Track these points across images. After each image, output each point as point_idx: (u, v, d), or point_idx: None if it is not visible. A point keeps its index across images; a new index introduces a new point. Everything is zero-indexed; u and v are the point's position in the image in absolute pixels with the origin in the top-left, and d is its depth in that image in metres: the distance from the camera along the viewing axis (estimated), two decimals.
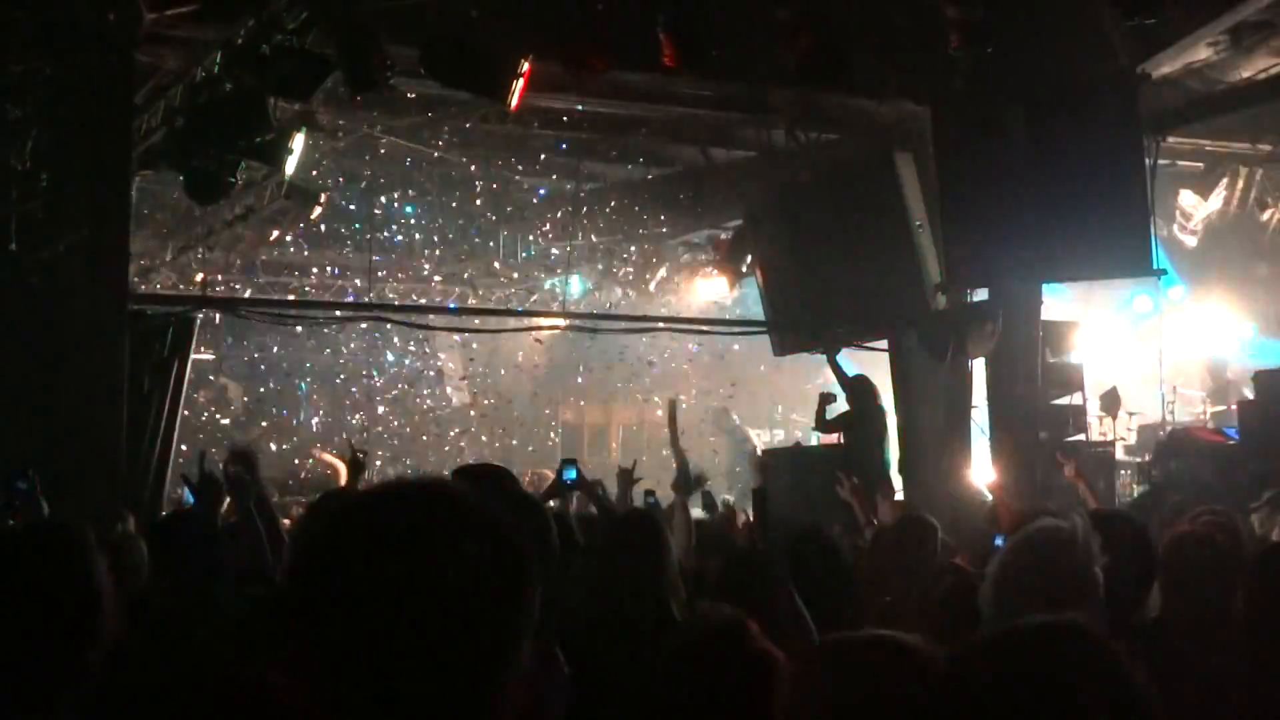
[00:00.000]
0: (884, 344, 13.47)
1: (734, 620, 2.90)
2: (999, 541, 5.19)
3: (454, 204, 18.99)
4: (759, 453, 14.52)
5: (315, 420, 22.72)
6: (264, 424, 21.46)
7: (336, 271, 20.23)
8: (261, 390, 22.00)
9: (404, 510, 1.49)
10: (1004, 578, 3.13)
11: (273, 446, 20.45)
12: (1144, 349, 17.32)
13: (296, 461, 20.08)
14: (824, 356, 13.17)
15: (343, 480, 10.11)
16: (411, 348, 23.29)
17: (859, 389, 12.47)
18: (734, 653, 2.82)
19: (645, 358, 21.58)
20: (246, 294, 18.75)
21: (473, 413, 23.54)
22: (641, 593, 4.01)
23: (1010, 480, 10.88)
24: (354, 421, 22.23)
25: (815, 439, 15.07)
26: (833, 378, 13.06)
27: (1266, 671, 3.41)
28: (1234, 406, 14.28)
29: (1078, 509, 3.37)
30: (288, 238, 18.24)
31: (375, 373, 23.10)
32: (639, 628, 3.85)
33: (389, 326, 20.19)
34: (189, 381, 11.91)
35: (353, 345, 22.57)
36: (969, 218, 11.30)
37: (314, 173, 15.57)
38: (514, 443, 22.93)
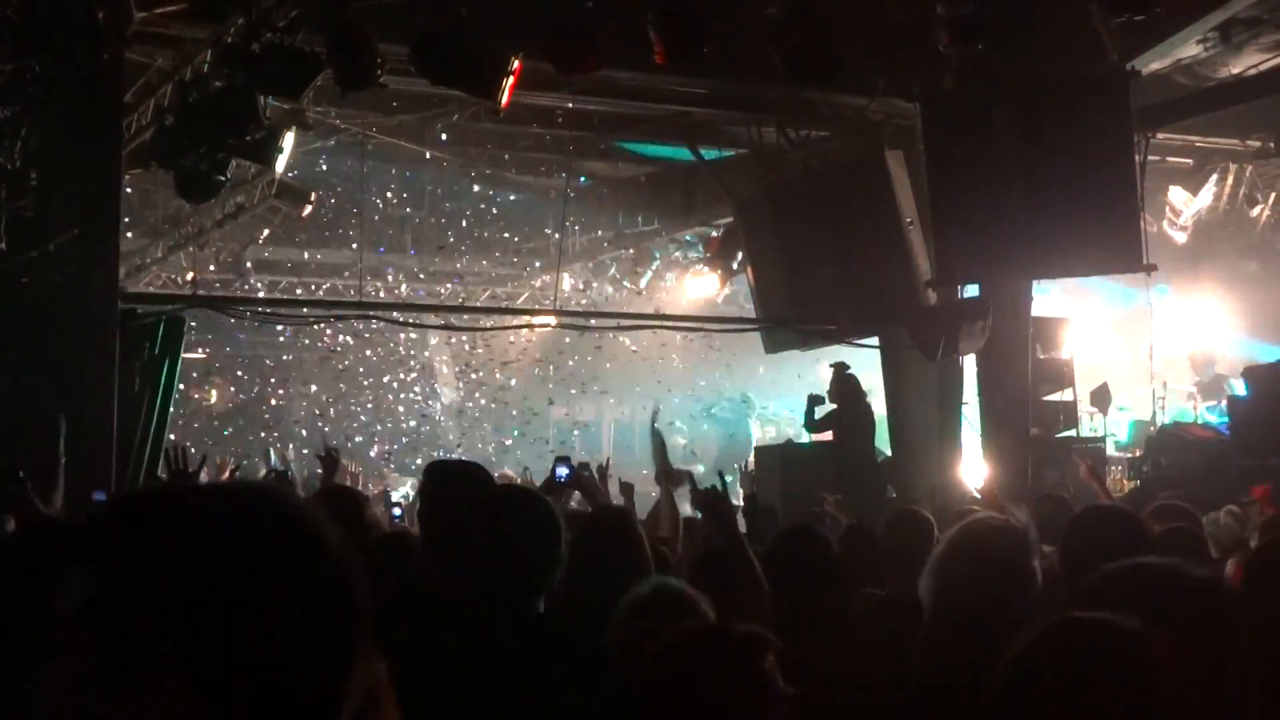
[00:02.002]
0: (875, 341, 13.50)
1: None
2: None
3: (445, 201, 18.98)
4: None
5: (307, 418, 22.68)
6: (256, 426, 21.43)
7: (327, 269, 20.18)
8: (249, 387, 21.95)
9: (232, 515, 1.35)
10: (940, 567, 3.24)
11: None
12: (1134, 345, 17.36)
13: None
14: (814, 352, 13.19)
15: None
16: (402, 346, 23.26)
17: (844, 387, 12.48)
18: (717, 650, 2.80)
19: (632, 357, 21.59)
20: (238, 293, 18.70)
21: (469, 407, 23.54)
22: (612, 586, 4.00)
23: (1001, 476, 10.90)
24: (337, 412, 22.20)
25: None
26: (824, 375, 13.09)
27: (1262, 664, 3.42)
28: (1224, 402, 14.33)
29: (1013, 506, 3.52)
30: (279, 236, 18.20)
31: (366, 371, 23.06)
32: (604, 619, 3.85)
33: (380, 325, 20.16)
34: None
35: (343, 343, 22.53)
36: (959, 215, 11.31)
37: (305, 170, 15.54)
38: (507, 441, 22.95)
